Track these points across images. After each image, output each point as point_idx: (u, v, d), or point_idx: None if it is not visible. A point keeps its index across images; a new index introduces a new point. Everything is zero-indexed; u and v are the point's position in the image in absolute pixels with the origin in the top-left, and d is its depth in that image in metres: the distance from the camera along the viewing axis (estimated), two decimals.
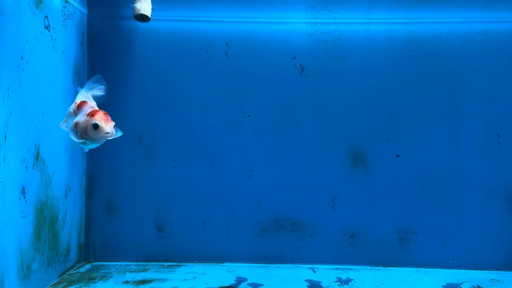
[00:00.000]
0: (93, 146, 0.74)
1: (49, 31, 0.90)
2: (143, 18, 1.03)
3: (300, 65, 1.12)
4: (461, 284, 0.95)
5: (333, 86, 1.11)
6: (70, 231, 1.00)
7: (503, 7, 1.08)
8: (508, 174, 1.08)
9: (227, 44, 1.12)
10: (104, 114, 0.71)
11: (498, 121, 1.08)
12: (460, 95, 1.09)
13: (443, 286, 0.93)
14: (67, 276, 0.97)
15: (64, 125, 0.75)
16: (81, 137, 0.71)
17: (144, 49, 1.12)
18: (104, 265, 1.07)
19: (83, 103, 0.73)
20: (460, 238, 1.08)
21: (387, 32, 1.10)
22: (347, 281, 0.96)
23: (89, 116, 0.69)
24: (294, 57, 1.11)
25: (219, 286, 0.91)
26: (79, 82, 1.06)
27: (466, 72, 1.09)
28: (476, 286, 0.93)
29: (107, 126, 0.69)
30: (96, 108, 0.73)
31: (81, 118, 0.71)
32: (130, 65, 1.12)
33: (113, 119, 0.75)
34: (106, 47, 1.12)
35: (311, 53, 1.11)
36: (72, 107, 0.75)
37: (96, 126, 0.68)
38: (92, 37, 1.11)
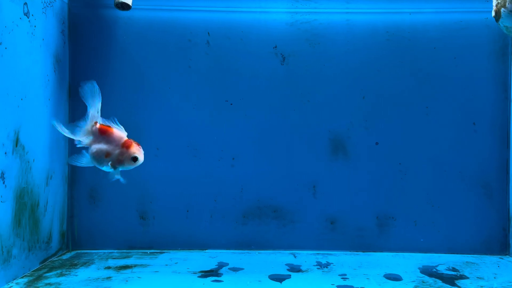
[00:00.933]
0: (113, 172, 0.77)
1: (28, 18, 0.90)
2: (124, 6, 1.03)
3: (281, 54, 1.13)
4: (436, 266, 0.97)
5: (313, 75, 1.13)
6: (51, 218, 1.01)
7: None
8: (483, 161, 1.11)
9: (208, 33, 1.13)
10: (137, 144, 0.74)
11: (473, 109, 1.11)
12: (437, 84, 1.11)
13: (419, 268, 0.96)
14: (49, 262, 0.97)
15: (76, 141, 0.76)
16: (111, 165, 0.74)
17: (126, 37, 1.12)
18: (86, 252, 1.07)
19: (108, 129, 0.74)
20: (437, 223, 1.11)
21: (366, 22, 1.12)
22: (326, 265, 0.98)
23: (124, 148, 0.73)
24: (275, 47, 1.13)
25: (200, 270, 0.93)
26: (60, 70, 1.06)
27: (442, 61, 1.11)
28: (451, 268, 0.96)
29: (142, 155, 0.74)
30: (126, 137, 0.75)
31: (113, 149, 0.74)
32: (111, 54, 1.12)
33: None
34: (87, 36, 1.12)
35: (292, 42, 1.13)
36: (91, 127, 0.74)
37: (135, 159, 0.73)
38: (73, 25, 1.11)
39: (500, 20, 0.87)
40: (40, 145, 0.95)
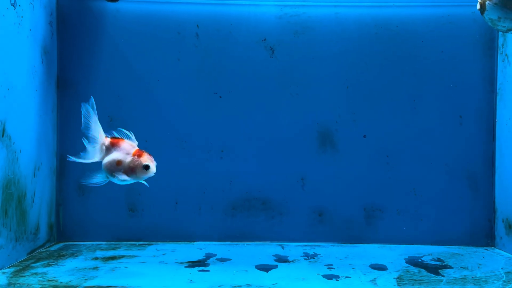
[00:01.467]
0: (132, 181, 0.77)
1: (15, 8, 0.90)
2: None
3: (270, 47, 1.13)
4: (422, 257, 0.99)
5: (302, 68, 1.13)
6: (39, 210, 1.01)
7: None
8: (469, 153, 1.12)
9: (197, 25, 1.13)
10: (149, 154, 0.75)
11: (460, 102, 1.12)
12: (424, 77, 1.12)
13: (404, 259, 0.97)
14: (37, 253, 0.97)
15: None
16: (123, 172, 0.74)
17: (115, 30, 1.12)
18: (75, 244, 1.07)
19: (118, 140, 0.75)
20: (424, 215, 1.12)
21: (355, 15, 1.13)
22: (313, 256, 0.99)
23: (136, 157, 0.74)
24: (264, 39, 1.13)
25: (187, 260, 0.93)
26: (48, 61, 1.06)
27: (430, 54, 1.12)
28: (436, 259, 0.97)
29: (154, 166, 0.75)
30: (137, 147, 0.76)
31: (124, 157, 0.74)
32: (100, 46, 1.12)
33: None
34: (76, 27, 1.11)
35: (281, 35, 1.13)
36: (105, 142, 0.75)
37: (147, 168, 0.74)
38: (61, 17, 1.11)
39: (485, 13, 0.88)
40: (27, 136, 0.95)
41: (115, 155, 0.74)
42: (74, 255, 0.97)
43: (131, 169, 0.74)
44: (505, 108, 1.06)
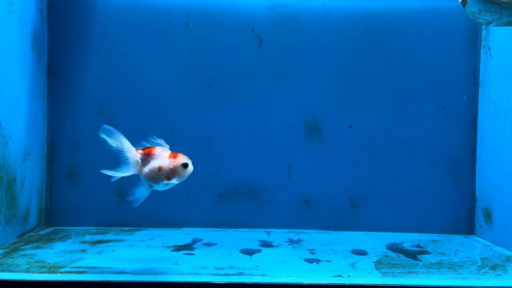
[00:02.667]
0: (175, 184, 0.79)
1: None
2: None
3: (259, 37, 1.15)
4: (403, 243, 1.01)
5: (290, 59, 1.15)
6: (29, 195, 1.03)
7: None
8: (451, 144, 1.15)
9: (187, 15, 1.14)
10: (183, 155, 0.78)
11: (443, 94, 1.14)
12: (409, 69, 1.14)
13: (385, 245, 1.00)
14: (26, 237, 0.99)
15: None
16: (166, 177, 0.77)
17: (105, 18, 1.13)
18: (64, 229, 1.10)
19: (150, 149, 0.77)
20: (407, 204, 1.15)
21: (343, 8, 1.15)
22: (297, 241, 1.01)
23: (173, 158, 0.77)
24: (253, 30, 1.15)
25: (174, 244, 0.96)
26: (38, 48, 1.07)
27: (415, 47, 1.14)
28: (416, 245, 1.00)
29: (191, 165, 0.78)
30: (169, 151, 0.78)
31: (162, 162, 0.77)
32: (91, 34, 1.14)
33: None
34: (66, 15, 1.13)
35: (270, 26, 1.15)
36: (138, 155, 0.77)
37: (186, 165, 0.77)
38: (52, 4, 1.12)
39: (467, 6, 0.90)
40: (17, 122, 0.97)
41: (154, 163, 0.77)
42: (63, 238, 0.99)
43: (172, 171, 0.77)
44: (486, 100, 1.09)
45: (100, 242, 0.96)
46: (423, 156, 1.15)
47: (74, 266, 0.78)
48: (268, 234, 1.09)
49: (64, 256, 0.84)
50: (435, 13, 1.14)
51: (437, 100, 1.14)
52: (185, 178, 0.79)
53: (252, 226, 1.15)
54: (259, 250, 0.93)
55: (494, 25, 0.93)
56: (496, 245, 1.01)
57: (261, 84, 1.15)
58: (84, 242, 0.96)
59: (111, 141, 0.76)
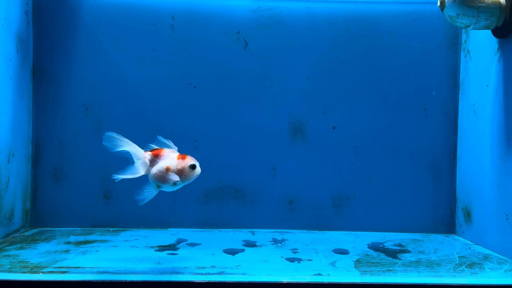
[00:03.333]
0: (182, 185, 0.80)
1: None
2: None
3: (244, 39, 1.16)
4: (384, 243, 1.03)
5: (275, 61, 1.16)
6: (14, 195, 1.03)
7: None
8: (433, 145, 1.17)
9: (173, 17, 1.15)
10: (191, 157, 0.79)
11: (425, 95, 1.17)
12: (391, 71, 1.17)
13: (367, 244, 1.01)
14: (11, 238, 0.99)
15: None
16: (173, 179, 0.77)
17: (91, 19, 1.14)
18: (49, 230, 1.10)
19: (159, 150, 0.79)
20: (389, 204, 1.17)
21: (326, 11, 1.17)
22: (281, 241, 1.03)
23: (181, 159, 0.78)
24: (238, 32, 1.16)
25: (158, 245, 0.96)
26: (23, 50, 1.07)
27: (397, 49, 1.16)
28: (397, 244, 1.02)
29: (199, 166, 0.79)
30: (178, 153, 0.79)
31: (170, 162, 0.77)
32: (77, 35, 1.14)
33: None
34: (52, 17, 1.13)
35: (255, 28, 1.16)
36: (147, 157, 0.78)
37: (193, 167, 0.78)
38: (38, 6, 1.12)
39: (445, 9, 0.92)
40: (1, 123, 0.97)
41: (162, 163, 0.78)
42: (47, 239, 0.99)
43: (180, 172, 0.77)
44: (466, 102, 1.11)
45: (84, 242, 0.97)
46: (405, 156, 1.17)
47: (56, 266, 0.78)
48: (253, 234, 1.10)
49: (47, 256, 0.85)
50: (417, 16, 1.16)
51: (419, 101, 1.17)
52: (193, 179, 0.80)
53: (237, 226, 1.16)
54: (243, 250, 0.94)
55: (472, 29, 0.96)
56: (475, 244, 1.04)
57: (246, 85, 1.16)
58: (69, 242, 0.97)
59: (117, 148, 0.77)
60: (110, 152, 0.78)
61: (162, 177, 0.78)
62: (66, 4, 1.13)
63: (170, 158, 0.78)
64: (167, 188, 0.79)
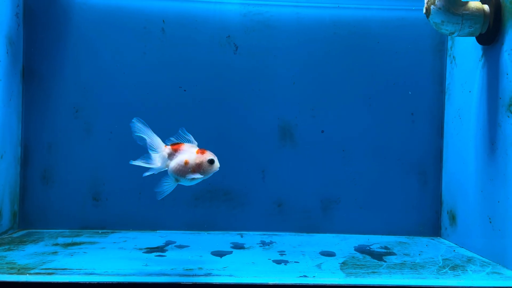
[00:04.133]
0: (200, 180, 0.81)
1: None
2: None
3: (234, 43, 1.18)
4: (371, 245, 1.05)
5: (264, 65, 1.18)
6: (2, 197, 1.03)
7: None
8: (420, 149, 1.19)
9: (163, 21, 1.16)
10: (210, 152, 0.80)
11: (412, 100, 1.18)
12: (379, 76, 1.18)
13: (354, 247, 1.03)
14: None
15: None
16: (191, 171, 0.78)
17: (82, 22, 1.15)
18: (38, 231, 1.10)
19: (179, 145, 0.80)
20: (376, 207, 1.18)
21: (315, 16, 1.18)
22: (269, 243, 1.04)
23: (200, 154, 0.79)
24: (229, 36, 1.17)
25: (146, 247, 0.97)
26: (13, 52, 1.07)
27: (385, 55, 1.18)
28: (383, 247, 1.03)
29: (217, 161, 0.80)
30: (197, 147, 0.80)
31: (189, 156, 0.78)
32: (67, 38, 1.15)
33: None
34: (43, 19, 1.13)
35: (245, 32, 1.17)
36: (166, 151, 0.79)
37: (212, 162, 0.79)
38: (28, 9, 1.13)
39: (430, 16, 0.94)
40: None
41: (181, 157, 0.78)
42: (35, 241, 0.99)
43: (198, 166, 0.78)
44: (452, 107, 1.13)
45: (71, 244, 0.97)
46: (393, 160, 1.18)
47: (43, 267, 0.79)
48: (242, 236, 1.11)
49: (35, 258, 0.85)
50: (404, 22, 1.18)
51: (406, 106, 1.18)
52: (211, 174, 0.80)
53: (226, 228, 1.17)
54: (230, 252, 0.95)
55: (457, 36, 0.98)
56: (459, 246, 1.05)
57: (236, 89, 1.17)
58: (57, 244, 0.97)
59: (140, 134, 0.79)
60: (133, 135, 0.80)
61: (181, 171, 0.78)
62: (57, 7, 1.14)
63: (189, 152, 0.79)
64: (185, 182, 0.80)
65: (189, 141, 0.81)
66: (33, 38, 1.13)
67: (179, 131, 0.82)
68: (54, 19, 1.14)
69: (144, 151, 0.81)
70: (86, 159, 1.15)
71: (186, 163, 0.78)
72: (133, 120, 0.80)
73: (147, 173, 0.80)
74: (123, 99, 1.15)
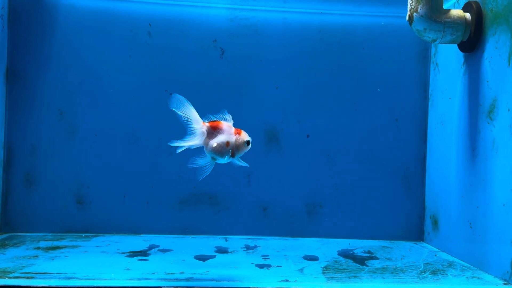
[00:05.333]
0: (232, 160, 0.82)
1: None
2: None
3: (220, 47, 1.18)
4: (354, 250, 1.05)
5: (250, 69, 1.18)
6: None
7: (403, 3, 1.19)
8: (404, 154, 1.20)
9: (150, 24, 1.16)
10: (244, 132, 0.81)
11: (396, 106, 1.20)
12: (364, 82, 1.19)
13: (338, 251, 1.03)
14: None
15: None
16: (231, 153, 0.79)
17: (67, 24, 1.14)
18: (20, 235, 1.09)
19: (218, 123, 0.79)
20: (361, 211, 1.19)
21: (302, 21, 1.19)
22: (253, 248, 1.04)
23: (237, 135, 0.80)
24: (215, 40, 1.18)
25: (129, 250, 0.96)
26: None
27: (370, 61, 1.19)
28: (367, 251, 1.04)
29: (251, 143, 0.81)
30: (233, 127, 0.80)
31: (229, 137, 0.79)
32: (52, 40, 1.14)
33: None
34: (28, 21, 1.13)
35: (231, 37, 1.18)
36: (204, 127, 0.79)
37: (248, 143, 0.80)
38: (13, 10, 1.12)
39: (413, 24, 0.96)
40: None
41: (222, 138, 0.78)
42: (16, 245, 0.98)
43: (237, 147, 0.79)
44: (435, 113, 1.15)
45: (53, 248, 0.96)
46: (377, 165, 1.19)
47: (23, 271, 0.78)
48: (226, 240, 1.11)
49: (15, 261, 0.84)
50: (389, 29, 1.20)
51: (391, 112, 1.20)
52: (243, 153, 0.81)
53: (211, 232, 1.17)
54: (214, 256, 0.94)
55: (439, 43, 0.99)
56: (441, 251, 1.06)
57: (222, 93, 1.18)
58: (38, 248, 0.96)
59: (179, 109, 0.78)
60: (171, 109, 0.80)
61: (221, 152, 0.79)
62: (42, 8, 1.13)
63: (229, 133, 0.79)
64: (222, 161, 0.81)
65: (226, 120, 0.81)
66: (18, 40, 1.12)
67: (220, 113, 0.82)
68: (39, 21, 1.13)
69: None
70: (70, 162, 1.14)
71: (227, 144, 0.78)
72: (172, 95, 0.80)
73: (180, 149, 0.80)
74: (108, 102, 1.15)
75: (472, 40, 0.94)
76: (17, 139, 1.13)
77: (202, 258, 0.93)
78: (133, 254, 0.94)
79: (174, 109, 0.79)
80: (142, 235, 1.14)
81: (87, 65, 1.15)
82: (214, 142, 0.78)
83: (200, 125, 0.79)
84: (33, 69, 1.13)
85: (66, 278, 0.75)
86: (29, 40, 1.13)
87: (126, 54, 1.16)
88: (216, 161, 0.81)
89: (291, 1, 1.18)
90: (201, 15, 1.17)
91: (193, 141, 0.78)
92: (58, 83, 1.14)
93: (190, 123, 0.79)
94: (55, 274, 0.77)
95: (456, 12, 0.94)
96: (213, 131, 0.79)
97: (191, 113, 0.79)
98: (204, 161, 0.80)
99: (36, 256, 0.89)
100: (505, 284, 0.81)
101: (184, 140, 0.78)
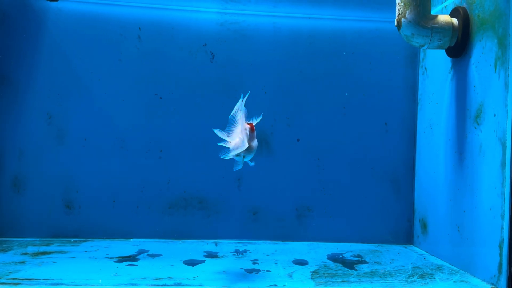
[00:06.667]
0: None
1: None
2: None
3: (210, 52, 1.18)
4: (344, 253, 1.06)
5: (240, 74, 1.18)
6: None
7: (392, 9, 1.20)
8: (393, 158, 1.21)
9: (140, 28, 1.16)
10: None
11: (386, 110, 1.21)
12: (353, 86, 1.20)
13: (327, 255, 1.03)
14: None
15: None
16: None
17: (56, 28, 1.13)
18: (7, 240, 1.08)
19: (253, 125, 0.83)
20: (350, 215, 1.19)
21: (291, 26, 1.20)
22: (243, 252, 1.04)
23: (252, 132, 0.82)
24: (205, 44, 1.18)
25: (118, 256, 0.96)
26: None
27: (359, 65, 1.20)
28: (356, 255, 1.04)
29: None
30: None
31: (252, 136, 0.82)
32: (41, 44, 1.13)
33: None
34: (17, 25, 1.12)
35: (221, 41, 1.18)
36: (247, 127, 0.82)
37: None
38: (2, 14, 1.11)
39: (401, 29, 0.96)
40: None
41: (255, 139, 0.82)
42: (4, 250, 0.97)
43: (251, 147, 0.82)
44: (423, 117, 1.16)
45: (40, 253, 0.95)
46: (367, 169, 1.20)
47: (10, 277, 0.77)
48: (216, 245, 1.11)
49: (1, 267, 0.83)
50: (379, 34, 1.21)
51: (380, 116, 1.20)
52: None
53: (201, 237, 1.17)
54: (203, 261, 0.94)
55: (426, 48, 1.00)
56: (430, 254, 1.07)
57: (212, 96, 1.18)
58: (26, 253, 0.95)
59: (235, 112, 0.81)
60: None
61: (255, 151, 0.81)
62: (31, 12, 1.13)
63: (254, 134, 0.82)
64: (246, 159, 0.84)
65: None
66: (7, 44, 1.12)
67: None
68: (28, 25, 1.12)
69: None
70: (59, 166, 1.14)
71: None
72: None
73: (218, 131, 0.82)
74: (97, 106, 1.14)
75: (459, 45, 0.95)
76: (5, 143, 1.12)
77: (192, 263, 0.92)
78: (122, 259, 0.93)
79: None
80: (131, 239, 1.14)
81: (76, 69, 1.14)
82: (253, 141, 0.83)
83: (245, 125, 0.83)
84: (21, 73, 1.13)
85: (52, 284, 0.75)
86: (18, 44, 1.12)
87: (115, 58, 1.15)
88: (245, 160, 0.84)
89: (281, 6, 1.19)
90: (191, 19, 1.17)
91: (244, 143, 0.81)
92: (47, 87, 1.13)
93: (236, 124, 0.83)
94: (42, 280, 0.76)
95: (444, 18, 0.95)
96: (251, 132, 0.83)
97: (240, 113, 0.83)
98: (237, 158, 0.85)
99: (23, 262, 0.88)
100: (492, 287, 0.81)
101: (230, 135, 0.82)
